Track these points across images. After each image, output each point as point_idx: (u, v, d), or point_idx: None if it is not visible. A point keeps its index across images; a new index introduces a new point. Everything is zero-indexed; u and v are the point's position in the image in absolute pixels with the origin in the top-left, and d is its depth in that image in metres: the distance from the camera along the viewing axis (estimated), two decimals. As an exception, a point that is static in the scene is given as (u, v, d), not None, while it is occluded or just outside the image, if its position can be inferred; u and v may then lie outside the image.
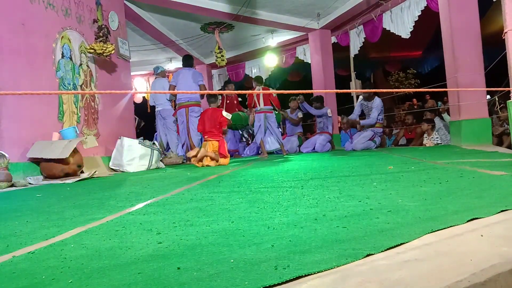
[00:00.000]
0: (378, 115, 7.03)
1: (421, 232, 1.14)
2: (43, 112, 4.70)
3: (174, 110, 7.27)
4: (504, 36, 1.96)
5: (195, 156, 5.31)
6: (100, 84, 5.94)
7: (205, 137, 5.56)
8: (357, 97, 8.68)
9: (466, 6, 5.58)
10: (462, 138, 5.51)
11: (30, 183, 4.05)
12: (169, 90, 6.71)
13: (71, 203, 2.35)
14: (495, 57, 5.48)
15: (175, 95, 6.68)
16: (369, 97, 7.20)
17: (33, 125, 4.50)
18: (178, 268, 0.97)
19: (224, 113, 5.63)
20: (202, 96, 6.72)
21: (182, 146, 6.91)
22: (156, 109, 7.40)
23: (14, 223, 1.78)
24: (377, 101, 7.09)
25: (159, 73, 7.66)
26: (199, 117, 6.02)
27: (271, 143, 7.19)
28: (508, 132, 6.19)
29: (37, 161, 4.34)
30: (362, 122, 7.17)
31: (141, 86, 11.56)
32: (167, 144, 7.30)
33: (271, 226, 1.35)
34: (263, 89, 7.02)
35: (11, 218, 1.94)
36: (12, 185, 3.84)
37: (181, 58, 7.15)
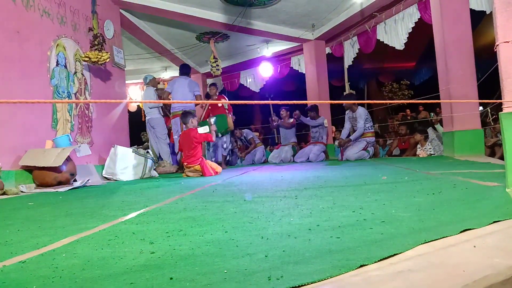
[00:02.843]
0: (365, 123, 7.18)
1: (414, 243, 1.14)
2: (37, 120, 4.67)
3: (164, 118, 7.24)
4: (495, 49, 1.99)
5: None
6: (95, 92, 5.93)
7: (185, 164, 5.27)
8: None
9: (459, 18, 5.66)
10: (455, 149, 5.55)
11: (22, 191, 4.01)
12: (164, 96, 6.69)
13: (63, 212, 2.33)
14: (487, 69, 5.55)
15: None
16: (351, 107, 7.41)
17: (26, 133, 4.47)
18: (171, 279, 0.96)
19: (200, 130, 5.30)
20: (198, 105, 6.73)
21: (176, 155, 6.88)
22: (146, 118, 7.33)
23: (5, 231, 1.76)
24: (360, 110, 7.28)
25: (148, 83, 7.52)
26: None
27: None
28: (501, 143, 6.24)
29: (29, 169, 4.30)
30: (352, 137, 7.36)
31: (135, 95, 11.55)
32: (159, 153, 7.26)
33: (264, 236, 1.35)
34: (219, 98, 7.03)
35: (2, 226, 1.92)
36: (4, 193, 3.79)
37: (176, 67, 7.18)
